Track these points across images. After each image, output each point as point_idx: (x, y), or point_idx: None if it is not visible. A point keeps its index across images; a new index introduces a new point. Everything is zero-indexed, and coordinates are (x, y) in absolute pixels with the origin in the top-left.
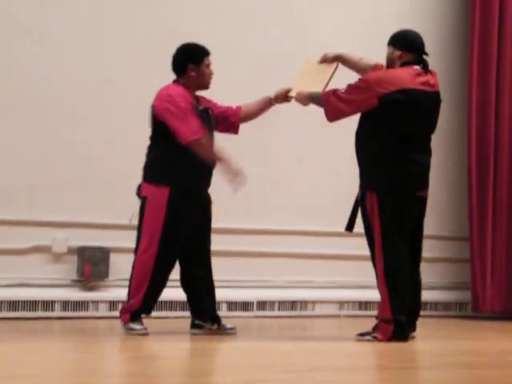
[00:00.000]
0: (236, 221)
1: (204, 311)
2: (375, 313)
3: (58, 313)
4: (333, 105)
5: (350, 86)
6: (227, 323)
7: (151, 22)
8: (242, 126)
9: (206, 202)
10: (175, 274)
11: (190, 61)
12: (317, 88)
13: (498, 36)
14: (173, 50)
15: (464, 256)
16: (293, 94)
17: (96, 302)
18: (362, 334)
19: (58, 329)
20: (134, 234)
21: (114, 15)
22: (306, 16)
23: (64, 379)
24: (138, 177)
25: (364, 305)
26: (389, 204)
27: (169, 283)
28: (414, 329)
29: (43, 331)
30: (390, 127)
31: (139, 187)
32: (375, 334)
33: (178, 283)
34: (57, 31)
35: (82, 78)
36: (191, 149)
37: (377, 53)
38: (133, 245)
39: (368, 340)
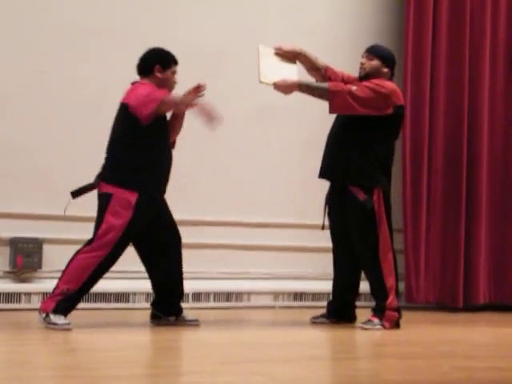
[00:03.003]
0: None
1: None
2: (309, 304)
3: None
4: (344, 100)
5: (367, 88)
6: (189, 315)
7: (85, 13)
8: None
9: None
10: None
11: (158, 62)
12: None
13: (432, 31)
14: (108, 41)
15: (398, 247)
16: (264, 79)
17: (29, 294)
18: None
19: None
20: (67, 224)
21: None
22: (241, 10)
23: None
24: (71, 167)
25: (299, 296)
26: (388, 200)
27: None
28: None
29: None
30: (389, 134)
31: (98, 184)
32: (383, 323)
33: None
34: None
35: (14, 69)
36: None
37: (312, 49)
38: (66, 236)
39: (378, 329)
